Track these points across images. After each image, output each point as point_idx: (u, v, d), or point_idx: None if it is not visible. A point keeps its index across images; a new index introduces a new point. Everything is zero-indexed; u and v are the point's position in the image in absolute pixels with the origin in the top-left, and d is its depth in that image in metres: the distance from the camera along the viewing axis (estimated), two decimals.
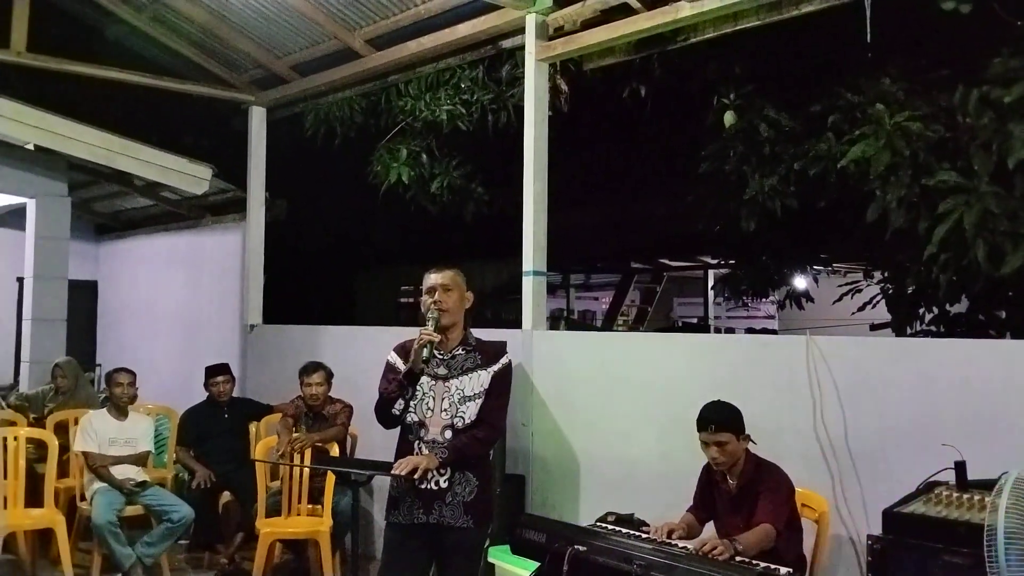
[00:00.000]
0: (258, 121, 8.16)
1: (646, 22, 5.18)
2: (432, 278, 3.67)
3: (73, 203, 7.97)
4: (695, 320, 16.14)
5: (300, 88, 7.71)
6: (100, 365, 9.24)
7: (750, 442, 3.80)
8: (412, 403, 3.61)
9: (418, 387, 3.62)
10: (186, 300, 9.12)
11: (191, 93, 8.08)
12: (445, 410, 3.58)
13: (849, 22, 4.76)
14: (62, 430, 6.28)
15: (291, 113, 8.10)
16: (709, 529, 3.95)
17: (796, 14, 4.75)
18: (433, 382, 3.62)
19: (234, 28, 7.40)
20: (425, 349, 3.51)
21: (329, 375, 6.08)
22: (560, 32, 5.67)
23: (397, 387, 3.59)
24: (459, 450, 3.55)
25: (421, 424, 3.60)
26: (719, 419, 3.75)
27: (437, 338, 3.55)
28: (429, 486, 3.53)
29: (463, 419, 3.57)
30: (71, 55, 7.46)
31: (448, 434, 3.56)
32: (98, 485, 5.69)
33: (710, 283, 15.02)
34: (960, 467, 3.32)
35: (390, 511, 3.67)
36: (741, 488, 3.76)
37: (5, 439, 5.76)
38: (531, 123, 5.69)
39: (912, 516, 3.11)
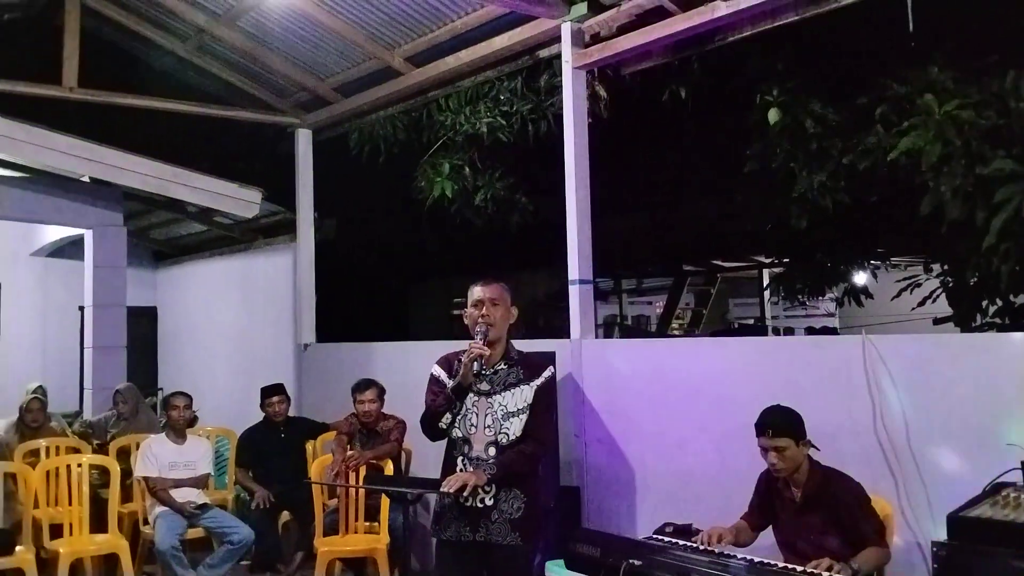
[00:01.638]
0: (304, 143, 8.28)
1: (682, 23, 5.12)
2: (479, 291, 3.63)
3: (130, 231, 8.18)
4: (752, 321, 15.88)
5: (344, 108, 7.80)
6: (162, 389, 9.44)
7: (812, 448, 3.71)
8: (456, 419, 3.60)
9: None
10: (241, 322, 9.27)
11: (238, 119, 8.24)
12: (488, 426, 3.55)
13: (892, 12, 4.65)
14: (124, 455, 6.41)
15: (336, 133, 8.20)
16: (763, 537, 3.87)
17: (836, 7, 4.65)
18: (476, 398, 3.59)
19: (277, 53, 7.52)
20: (476, 363, 3.49)
21: (381, 391, 6.11)
22: (596, 39, 5.64)
23: (445, 401, 3.57)
24: (507, 466, 3.51)
25: (465, 440, 3.57)
26: (777, 424, 3.68)
27: (488, 352, 3.53)
28: (475, 504, 3.50)
29: (507, 435, 3.53)
30: (121, 88, 7.66)
31: (492, 451, 3.53)
32: (160, 509, 5.79)
33: (765, 283, 14.76)
34: None
35: (435, 526, 3.66)
36: (807, 498, 3.67)
37: (69, 466, 5.91)
38: (571, 131, 5.66)
39: (978, 520, 3.00)
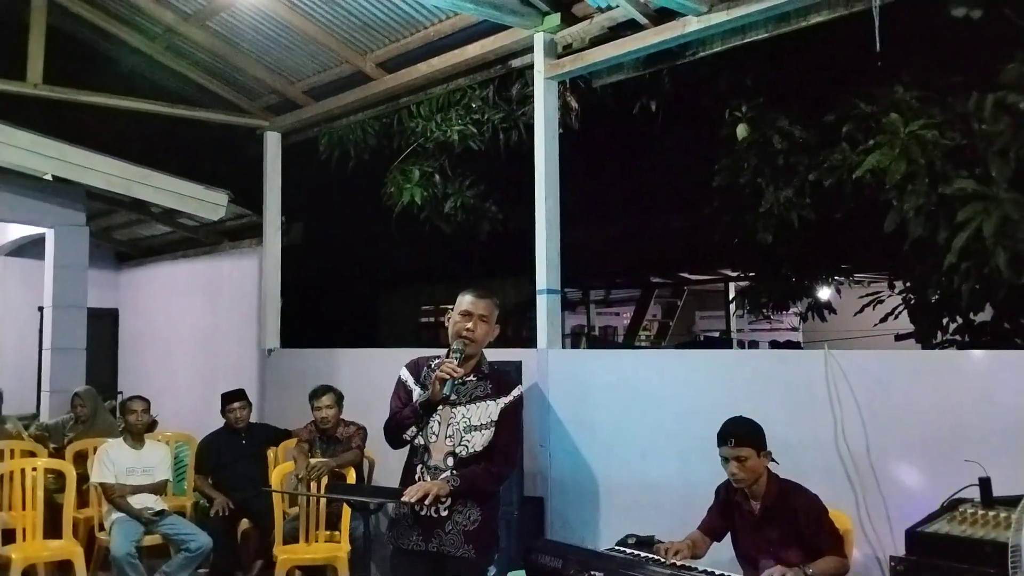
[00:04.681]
0: (273, 146, 8.21)
1: (653, 37, 5.16)
2: (470, 302, 3.51)
3: (93, 231, 8.05)
4: (717, 333, 16.00)
5: (314, 112, 7.75)
6: (122, 392, 9.27)
7: (771, 461, 3.73)
8: (419, 427, 3.54)
9: None
10: (205, 326, 9.16)
11: (206, 120, 8.16)
12: (449, 437, 3.48)
13: (859, 32, 4.70)
14: (81, 459, 6.28)
15: (305, 137, 8.15)
16: (725, 550, 3.88)
17: (804, 25, 4.72)
18: (440, 407, 3.51)
19: (247, 55, 7.46)
20: (446, 385, 3.41)
21: (339, 397, 6.06)
22: (568, 50, 5.66)
23: (412, 414, 3.50)
24: (472, 482, 3.44)
25: (425, 449, 3.51)
26: (739, 433, 3.70)
27: (459, 374, 3.43)
28: (429, 513, 3.43)
29: (467, 448, 3.47)
30: (87, 86, 7.55)
31: (450, 461, 3.46)
32: (116, 515, 5.68)
33: (731, 296, 14.88)
34: (985, 483, 3.24)
35: (389, 532, 3.61)
36: (766, 510, 3.69)
37: (24, 470, 5.79)
38: (541, 141, 5.68)
39: (936, 536, 3.03)
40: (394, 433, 3.55)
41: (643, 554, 3.67)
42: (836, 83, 6.30)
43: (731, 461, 3.68)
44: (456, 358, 3.44)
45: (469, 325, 3.47)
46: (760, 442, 3.70)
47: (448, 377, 3.39)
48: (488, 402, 3.52)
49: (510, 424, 3.55)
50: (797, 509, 3.63)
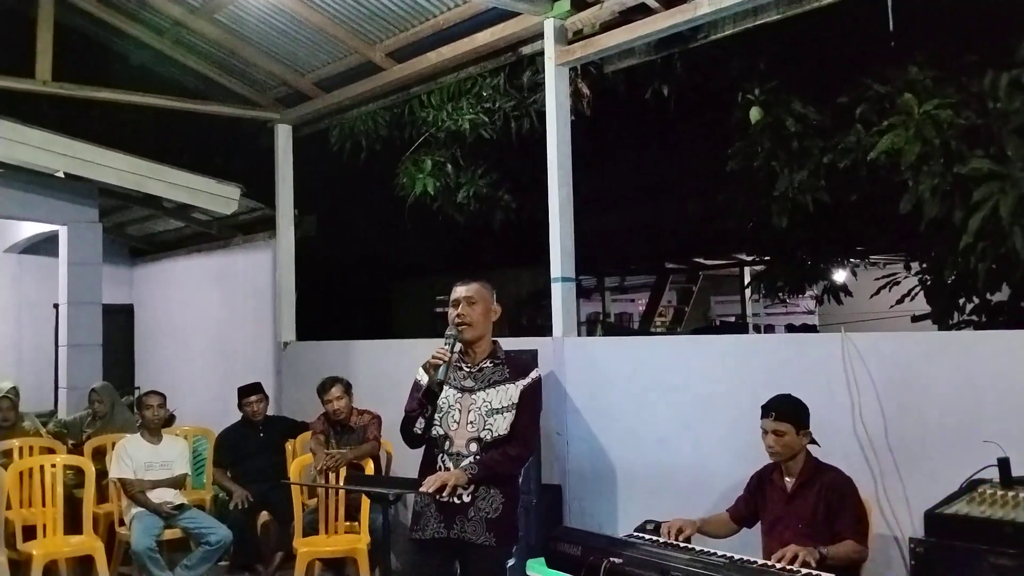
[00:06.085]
0: (284, 138, 8.20)
1: (665, 21, 5.11)
2: (457, 290, 3.63)
3: (106, 227, 8.09)
4: (733, 318, 15.95)
5: (324, 104, 7.74)
6: (139, 388, 9.31)
7: (812, 442, 3.76)
8: (438, 416, 3.58)
9: (444, 400, 3.58)
10: (220, 320, 9.19)
11: (217, 114, 8.15)
12: (472, 423, 3.53)
13: (872, 11, 4.66)
14: (100, 455, 6.34)
15: (316, 129, 8.14)
16: (743, 535, 3.87)
17: (817, 6, 4.65)
18: (459, 395, 3.57)
19: (256, 47, 7.45)
20: (439, 370, 3.47)
21: (347, 387, 6.08)
22: (579, 36, 5.62)
23: (418, 405, 3.56)
24: (490, 467, 3.48)
25: (446, 437, 3.56)
26: (781, 408, 3.74)
27: (446, 358, 3.49)
28: (452, 500, 3.47)
29: (491, 432, 3.51)
30: (96, 82, 7.56)
31: (473, 447, 3.50)
32: (136, 510, 5.72)
33: (746, 280, 14.82)
34: (1004, 464, 3.21)
35: (413, 526, 3.63)
36: (799, 486, 3.71)
37: (43, 467, 5.83)
38: (553, 128, 5.64)
39: (955, 517, 3.01)
40: (406, 428, 3.60)
41: (661, 539, 3.67)
42: (850, 64, 6.24)
43: (769, 433, 3.72)
44: (449, 344, 3.51)
45: (458, 311, 3.57)
46: (801, 421, 3.73)
47: (440, 362, 3.45)
48: (507, 385, 3.58)
49: (530, 405, 3.60)
50: (827, 485, 3.66)
